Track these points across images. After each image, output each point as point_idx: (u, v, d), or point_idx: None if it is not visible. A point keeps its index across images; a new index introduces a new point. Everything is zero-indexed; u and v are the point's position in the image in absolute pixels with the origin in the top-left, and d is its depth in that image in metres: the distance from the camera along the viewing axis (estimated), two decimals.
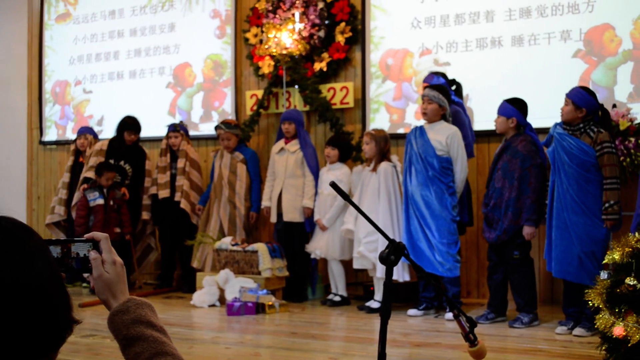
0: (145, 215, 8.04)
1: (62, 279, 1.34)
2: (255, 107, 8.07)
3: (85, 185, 7.73)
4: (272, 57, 7.91)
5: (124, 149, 8.05)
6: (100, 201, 7.62)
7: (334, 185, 2.95)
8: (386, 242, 6.45)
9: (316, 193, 7.14)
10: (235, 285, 6.72)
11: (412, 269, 6.48)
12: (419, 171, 6.23)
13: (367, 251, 6.54)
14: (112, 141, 8.10)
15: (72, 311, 1.34)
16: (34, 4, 10.04)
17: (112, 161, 7.91)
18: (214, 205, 7.69)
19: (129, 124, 8.05)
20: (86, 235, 1.60)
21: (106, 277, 1.56)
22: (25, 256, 1.25)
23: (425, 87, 6.41)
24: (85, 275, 1.61)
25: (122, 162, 8.00)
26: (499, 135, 6.17)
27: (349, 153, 7.21)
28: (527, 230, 5.77)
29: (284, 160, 7.30)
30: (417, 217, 6.23)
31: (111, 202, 7.67)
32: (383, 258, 2.82)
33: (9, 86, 10.12)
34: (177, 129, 7.97)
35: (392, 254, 2.83)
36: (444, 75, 6.75)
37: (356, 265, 6.67)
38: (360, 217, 6.57)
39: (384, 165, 6.60)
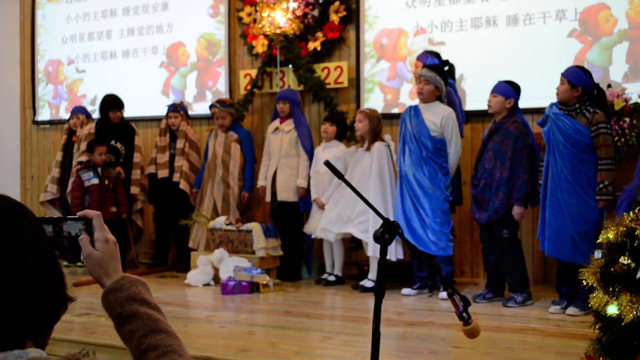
0: (134, 190, 8.01)
1: (56, 256, 1.33)
2: (249, 87, 8.03)
3: (78, 166, 7.69)
4: (265, 36, 7.86)
5: (112, 129, 7.99)
6: (95, 181, 7.59)
7: (328, 164, 2.94)
8: (377, 223, 6.48)
9: (311, 171, 7.12)
10: (230, 265, 6.72)
11: (406, 247, 6.49)
12: (413, 151, 6.22)
13: (359, 231, 6.55)
14: (98, 123, 8.06)
15: (66, 289, 1.33)
16: None
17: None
18: (207, 184, 7.67)
19: (111, 102, 8.00)
20: (78, 214, 1.59)
21: (96, 255, 1.55)
22: (19, 234, 1.25)
23: (422, 67, 6.38)
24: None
25: (113, 142, 7.96)
26: (491, 115, 6.15)
27: (344, 131, 7.18)
28: (516, 210, 5.78)
29: (279, 139, 7.28)
30: (410, 196, 6.23)
31: (106, 182, 7.64)
32: (377, 237, 2.81)
33: (1, 66, 10.04)
34: (177, 109, 7.93)
35: (386, 232, 2.83)
36: (437, 55, 6.73)
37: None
38: (351, 197, 6.56)
39: (377, 145, 6.59)
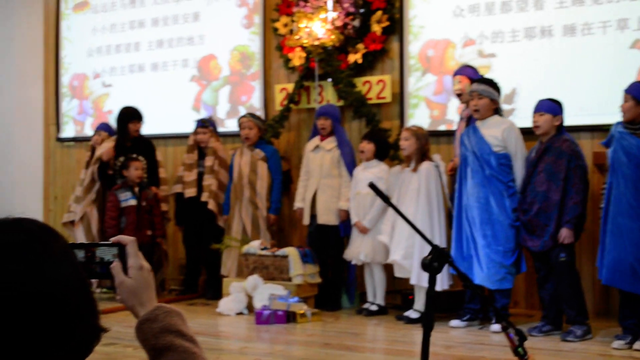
0: (164, 207, 8.09)
1: (89, 284, 1.35)
2: (285, 102, 8.09)
3: (117, 185, 7.75)
4: (303, 48, 7.91)
5: (130, 143, 8.07)
6: (133, 202, 7.65)
7: (372, 186, 2.96)
8: (425, 249, 6.48)
9: (352, 193, 7.13)
10: (265, 292, 6.74)
11: (455, 277, 6.46)
12: (476, 171, 6.20)
13: (403, 258, 6.53)
14: (117, 138, 8.13)
15: (99, 319, 1.35)
16: None
17: (122, 159, 7.91)
18: (235, 206, 7.71)
19: (131, 113, 8.08)
20: (112, 239, 1.61)
21: (130, 283, 1.57)
22: (50, 260, 1.26)
23: (472, 82, 6.39)
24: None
25: (134, 156, 8.02)
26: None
27: (386, 150, 7.19)
28: (565, 233, 5.74)
29: (319, 158, 7.31)
30: (469, 224, 6.19)
31: (144, 203, 7.72)
32: (426, 264, 2.82)
33: (24, 80, 10.23)
34: (205, 124, 8.01)
35: (435, 260, 2.83)
36: (475, 70, 6.74)
37: (397, 273, 6.66)
38: (397, 222, 6.57)
39: (425, 165, 6.58)
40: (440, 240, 6.34)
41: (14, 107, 10.25)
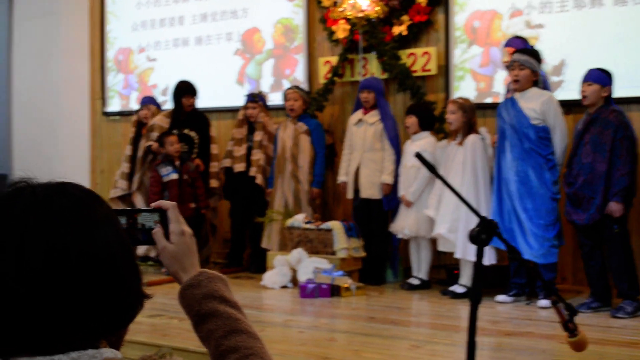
0: (214, 183, 8.12)
1: (133, 250, 1.32)
2: (329, 75, 8.02)
3: (158, 160, 7.78)
4: (347, 20, 7.83)
5: (184, 117, 8.08)
6: (174, 176, 7.66)
7: (419, 156, 2.88)
8: (470, 223, 6.37)
9: (399, 167, 7.06)
10: (309, 266, 6.72)
11: (500, 251, 6.37)
12: (514, 145, 6.09)
13: (448, 231, 6.45)
14: (172, 111, 8.15)
15: (142, 285, 1.32)
16: None
17: (175, 132, 7.94)
18: (277, 180, 7.69)
19: (185, 88, 8.08)
20: (153, 204, 1.58)
21: (172, 249, 1.54)
22: (94, 224, 1.23)
23: (514, 52, 6.26)
24: None
25: (186, 130, 8.04)
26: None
27: (430, 122, 7.08)
28: (613, 207, 5.59)
29: (362, 132, 7.23)
30: (510, 197, 6.10)
31: (185, 176, 7.74)
32: (473, 237, 2.75)
33: (70, 55, 10.30)
34: (255, 99, 7.99)
35: (483, 232, 2.76)
36: (526, 41, 6.59)
37: (442, 247, 6.59)
38: (443, 196, 6.49)
39: (471, 137, 6.47)
40: (486, 213, 6.24)
41: (61, 82, 10.34)
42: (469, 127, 6.52)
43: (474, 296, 2.70)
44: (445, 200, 6.46)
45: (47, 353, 1.18)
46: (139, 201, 8.29)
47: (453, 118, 6.54)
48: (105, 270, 1.22)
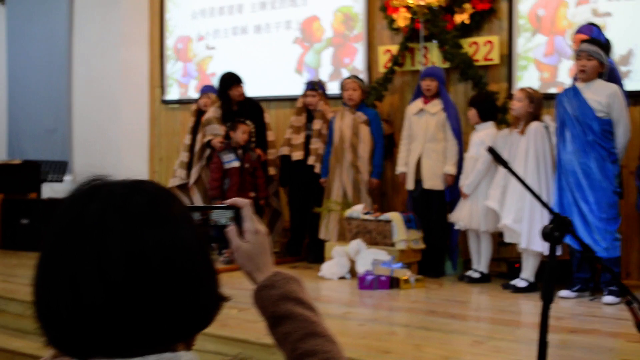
0: (272, 171, 8.10)
1: (209, 248, 1.28)
2: (389, 64, 7.93)
3: (219, 146, 7.76)
4: (408, 8, 7.71)
5: (237, 108, 8.06)
6: (236, 164, 7.65)
7: (491, 150, 2.80)
8: (536, 211, 6.19)
9: (462, 158, 6.96)
10: (368, 257, 6.66)
11: (563, 244, 6.23)
12: (576, 136, 5.94)
13: (513, 222, 6.32)
14: (222, 103, 8.11)
15: (219, 286, 1.28)
16: None
17: (248, 122, 7.90)
18: (335, 170, 7.64)
19: (231, 78, 8.04)
20: (227, 202, 1.55)
21: (246, 247, 1.51)
22: (171, 222, 1.21)
23: (582, 41, 6.09)
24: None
25: (241, 120, 8.00)
26: None
27: (491, 112, 6.94)
28: None
29: (424, 122, 7.13)
30: (570, 189, 5.96)
31: (247, 165, 7.73)
32: (546, 234, 2.66)
33: (130, 43, 10.37)
34: (315, 87, 7.94)
35: (556, 229, 2.67)
36: (599, 28, 6.41)
37: (508, 238, 6.47)
38: (508, 187, 6.37)
39: (534, 125, 6.33)
40: (548, 203, 6.10)
41: (120, 70, 10.42)
42: (533, 118, 6.38)
43: (546, 294, 2.63)
44: (510, 191, 6.34)
45: (125, 356, 1.15)
46: (195, 194, 8.30)
47: (518, 106, 6.40)
48: (183, 270, 1.19)
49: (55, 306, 1.15)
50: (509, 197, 6.35)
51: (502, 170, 6.38)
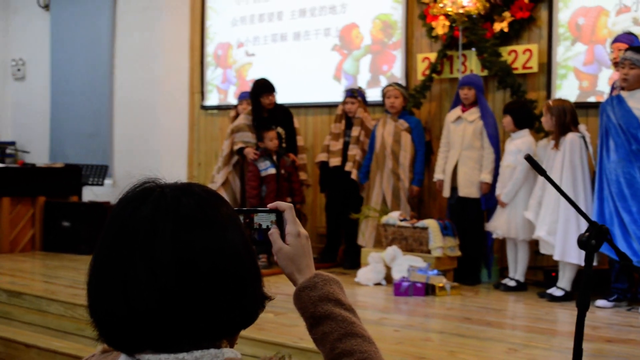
0: (303, 175, 8.15)
1: (254, 250, 1.33)
2: (427, 72, 7.94)
3: (253, 157, 7.81)
4: (447, 16, 7.72)
5: (267, 115, 8.09)
6: (272, 170, 7.71)
7: (529, 158, 2.81)
8: (570, 224, 6.15)
9: (498, 166, 6.95)
10: (404, 264, 6.68)
11: (599, 253, 6.18)
12: (620, 145, 5.89)
13: (547, 234, 6.30)
14: (252, 110, 8.13)
15: (263, 286, 1.33)
16: None
17: (275, 127, 7.96)
18: (376, 177, 7.66)
19: (262, 86, 8.06)
20: (269, 205, 1.59)
21: (288, 250, 1.55)
22: (220, 224, 1.25)
23: (625, 50, 6.06)
24: None
25: (272, 127, 8.05)
26: None
27: (527, 120, 6.91)
28: None
29: (461, 129, 7.14)
30: (612, 198, 5.91)
31: (282, 171, 7.78)
32: (583, 242, 2.66)
33: (171, 49, 10.49)
34: (354, 94, 7.97)
35: (593, 237, 2.67)
36: (637, 37, 6.36)
37: (543, 250, 6.45)
38: (543, 198, 6.35)
39: (569, 137, 6.30)
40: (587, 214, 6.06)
41: (161, 76, 10.55)
42: (563, 128, 6.34)
43: (582, 303, 2.63)
44: (546, 202, 6.33)
45: (172, 351, 1.20)
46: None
47: (544, 120, 6.46)
48: (231, 271, 1.23)
49: (108, 307, 1.21)
50: (544, 209, 6.33)
51: (539, 180, 6.37)
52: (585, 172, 6.28)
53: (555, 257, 6.30)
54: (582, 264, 6.06)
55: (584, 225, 6.01)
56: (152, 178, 1.31)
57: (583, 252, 6.17)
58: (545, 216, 6.32)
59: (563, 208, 6.16)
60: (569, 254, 6.12)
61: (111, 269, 1.21)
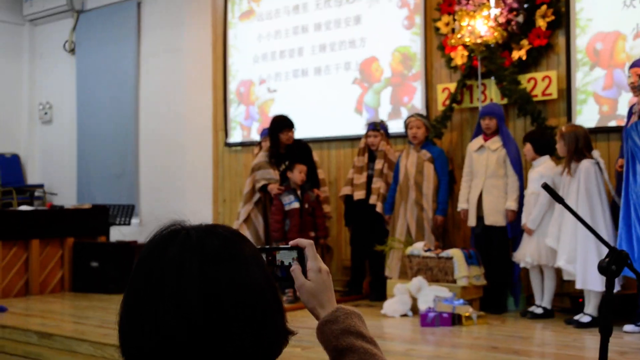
0: (327, 208, 8.20)
1: (276, 287, 1.37)
2: (447, 102, 7.98)
3: (278, 189, 7.85)
4: (465, 46, 7.78)
5: (285, 151, 8.13)
6: (296, 205, 7.76)
7: (546, 186, 2.82)
8: (590, 251, 6.13)
9: (523, 194, 6.95)
10: (429, 294, 6.67)
11: (627, 278, 6.15)
12: None
13: (567, 262, 6.28)
14: (270, 147, 8.17)
15: (286, 321, 1.37)
16: (218, 3, 10.48)
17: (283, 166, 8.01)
18: (400, 208, 7.69)
19: (281, 123, 8.10)
20: (291, 243, 1.64)
21: (309, 285, 1.59)
22: (243, 262, 1.32)
23: None
24: None
25: (286, 163, 8.08)
26: None
27: (546, 147, 6.91)
28: None
29: (484, 158, 7.15)
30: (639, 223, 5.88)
31: (306, 205, 7.83)
32: (603, 267, 2.67)
33: (194, 88, 10.63)
34: (377, 127, 8.03)
35: (613, 263, 2.67)
36: None
37: (566, 277, 6.43)
38: (562, 225, 6.34)
39: (584, 164, 6.31)
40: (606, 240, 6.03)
41: (186, 115, 10.68)
42: (576, 154, 6.34)
43: (605, 329, 2.62)
44: (564, 230, 6.33)
45: None
46: (245, 232, 8.36)
47: (558, 147, 6.48)
48: (254, 305, 1.29)
49: (140, 342, 1.27)
50: (563, 236, 6.34)
51: (557, 206, 6.37)
52: (602, 198, 6.27)
53: (578, 286, 6.28)
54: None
55: (604, 252, 5.99)
56: (178, 220, 1.38)
57: (604, 278, 6.09)
58: (565, 244, 6.31)
59: (581, 235, 6.14)
60: (590, 282, 6.10)
61: (142, 306, 1.28)
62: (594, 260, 5.93)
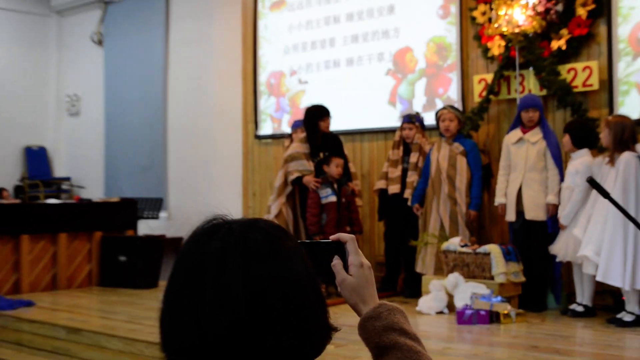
0: (359, 202, 8.17)
1: (319, 282, 1.36)
2: (484, 93, 7.92)
3: (316, 183, 7.85)
4: (502, 36, 7.71)
5: (320, 141, 8.12)
6: (333, 198, 7.75)
7: (591, 181, 2.78)
8: (615, 246, 6.00)
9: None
10: (466, 291, 6.62)
11: None
12: None
13: (595, 254, 6.21)
14: (307, 138, 8.18)
15: (329, 317, 1.36)
16: None
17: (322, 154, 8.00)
18: (432, 202, 7.64)
19: (321, 111, 8.12)
20: (332, 237, 1.62)
21: (351, 281, 1.58)
22: (286, 257, 1.32)
23: None
24: None
25: (325, 154, 8.08)
26: None
27: (586, 139, 6.84)
28: None
29: (524, 151, 7.08)
30: None
31: (343, 199, 7.81)
32: None
33: (224, 80, 10.65)
34: (412, 120, 7.99)
35: None
36: None
37: (585, 269, 6.38)
38: (592, 216, 6.28)
39: (625, 155, 6.23)
40: (633, 236, 5.98)
41: (215, 107, 10.71)
42: (620, 145, 6.27)
43: None
44: (594, 221, 6.26)
45: None
46: None
47: (602, 136, 6.40)
48: (297, 300, 1.29)
49: (181, 336, 1.27)
50: (592, 227, 6.26)
51: (591, 198, 6.34)
52: (639, 191, 6.18)
53: (598, 278, 6.21)
54: (624, 286, 5.99)
55: (630, 248, 5.96)
56: (219, 215, 1.38)
57: (626, 274, 6.13)
58: (593, 235, 6.24)
59: (610, 229, 6.09)
60: (611, 276, 6.05)
61: (183, 301, 1.28)
62: (619, 255, 5.90)
